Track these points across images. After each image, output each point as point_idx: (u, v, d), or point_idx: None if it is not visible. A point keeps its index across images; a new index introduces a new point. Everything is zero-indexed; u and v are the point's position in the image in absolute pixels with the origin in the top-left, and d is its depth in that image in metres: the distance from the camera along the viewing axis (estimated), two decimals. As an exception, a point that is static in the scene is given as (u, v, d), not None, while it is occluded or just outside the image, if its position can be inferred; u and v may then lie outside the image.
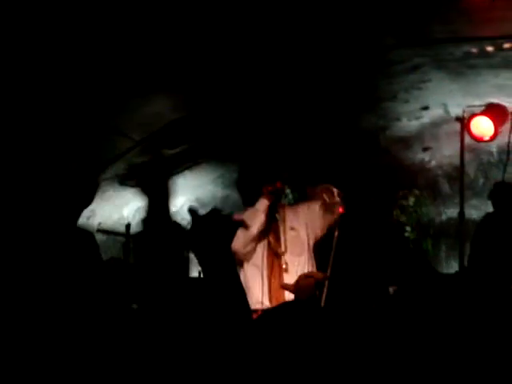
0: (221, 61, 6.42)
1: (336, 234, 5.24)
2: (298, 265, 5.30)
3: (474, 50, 6.62)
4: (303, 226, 5.42)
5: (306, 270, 5.26)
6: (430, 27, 6.25)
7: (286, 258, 5.32)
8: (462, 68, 7.06)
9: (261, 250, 5.30)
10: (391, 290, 6.48)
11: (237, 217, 5.43)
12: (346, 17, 5.96)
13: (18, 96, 6.07)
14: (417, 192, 9.23)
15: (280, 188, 5.37)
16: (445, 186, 9.22)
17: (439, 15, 5.96)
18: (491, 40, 6.39)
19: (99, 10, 5.32)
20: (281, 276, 5.24)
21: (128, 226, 7.87)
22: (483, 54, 6.64)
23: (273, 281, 5.22)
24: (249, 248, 5.26)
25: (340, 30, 6.23)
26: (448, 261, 9.11)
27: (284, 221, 5.42)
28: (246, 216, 5.35)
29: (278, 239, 5.36)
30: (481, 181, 8.78)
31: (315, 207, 5.48)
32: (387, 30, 6.31)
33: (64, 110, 6.57)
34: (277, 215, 5.41)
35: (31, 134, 6.52)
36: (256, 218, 5.24)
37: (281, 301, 5.08)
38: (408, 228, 9.17)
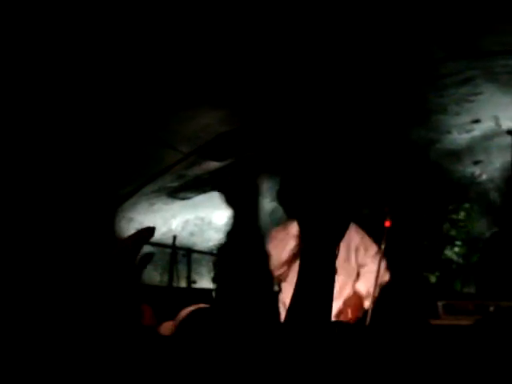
0: (269, 74, 6.41)
1: (383, 247, 5.13)
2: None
3: (526, 63, 6.54)
4: (347, 246, 5.25)
5: (343, 290, 5.16)
6: (482, 39, 6.17)
7: None
8: (514, 81, 6.98)
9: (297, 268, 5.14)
10: (440, 304, 6.39)
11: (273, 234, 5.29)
12: (398, 30, 5.92)
13: (65, 104, 6.12)
14: (467, 206, 9.13)
15: None
16: (496, 200, 9.10)
17: (491, 27, 5.88)
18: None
19: (149, 23, 5.35)
20: None
21: (174, 237, 7.90)
22: (535, 66, 6.55)
23: None
24: (281, 271, 5.16)
25: (392, 44, 6.18)
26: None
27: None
28: (278, 239, 5.20)
29: None
30: (533, 194, 8.66)
31: (370, 250, 5.26)
32: (438, 42, 6.25)
33: (112, 122, 6.61)
34: None
35: (71, 142, 6.57)
36: (287, 243, 5.08)
37: None
38: (458, 242, 9.07)
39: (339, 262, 5.24)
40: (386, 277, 5.27)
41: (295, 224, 5.16)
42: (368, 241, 5.23)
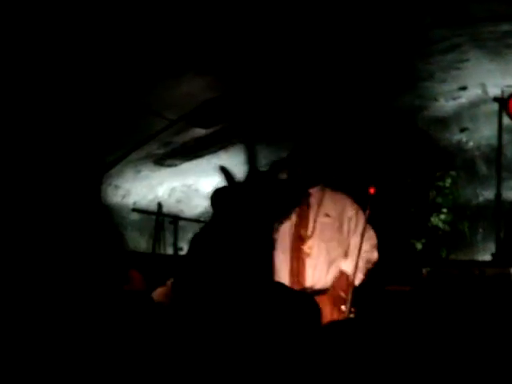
0: (253, 42, 6.38)
1: (367, 213, 5.10)
2: (327, 251, 5.12)
3: (513, 29, 6.53)
4: (340, 215, 5.20)
5: (333, 257, 5.12)
6: (468, 6, 6.16)
7: (312, 242, 5.13)
8: (501, 47, 6.96)
9: (286, 231, 5.09)
10: (424, 271, 6.41)
11: None
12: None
13: (47, 76, 6.09)
14: (454, 173, 9.14)
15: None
16: (482, 168, 9.11)
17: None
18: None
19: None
20: (303, 261, 5.08)
21: (159, 204, 7.87)
22: (523, 33, 6.54)
23: (294, 263, 5.08)
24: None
25: (379, 10, 6.16)
26: (485, 243, 9.01)
27: (318, 205, 5.20)
28: None
29: (305, 222, 5.15)
30: (520, 162, 8.66)
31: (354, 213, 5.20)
32: (425, 9, 6.23)
33: (97, 88, 6.58)
34: (310, 199, 5.19)
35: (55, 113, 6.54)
36: None
37: (301, 284, 4.98)
38: (444, 210, 9.09)
39: (331, 231, 5.20)
40: (374, 255, 5.23)
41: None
42: (361, 217, 5.19)
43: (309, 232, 5.13)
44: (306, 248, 5.09)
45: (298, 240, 5.12)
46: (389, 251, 7.76)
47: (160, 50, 6.28)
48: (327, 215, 5.18)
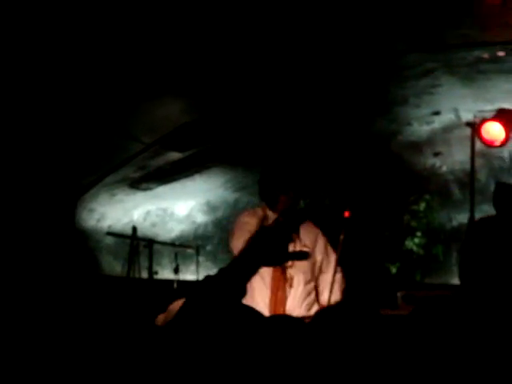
0: (229, 66, 6.41)
1: (341, 237, 5.12)
2: (305, 281, 5.16)
3: (486, 56, 6.59)
4: (314, 247, 5.23)
5: (308, 288, 5.15)
6: (442, 32, 6.22)
7: (292, 272, 5.16)
8: (473, 73, 7.03)
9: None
10: (399, 294, 6.44)
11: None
12: (358, 22, 5.95)
13: (24, 98, 6.08)
14: (428, 197, 9.20)
15: (294, 203, 5.18)
16: (456, 192, 9.18)
17: (450, 20, 5.93)
18: (502, 45, 6.35)
19: (110, 14, 5.33)
20: (284, 290, 5.11)
21: (134, 228, 7.85)
22: (494, 59, 6.61)
23: (275, 293, 5.11)
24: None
25: (352, 36, 6.21)
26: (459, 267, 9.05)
27: (295, 236, 5.22)
28: (243, 221, 5.15)
29: None
30: (492, 186, 8.72)
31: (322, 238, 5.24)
32: (398, 35, 6.29)
33: (74, 112, 6.58)
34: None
35: (34, 135, 6.53)
36: (252, 225, 5.02)
37: (281, 314, 5.00)
38: (418, 233, 9.14)
39: (308, 262, 5.18)
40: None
41: (262, 209, 5.15)
42: (332, 254, 5.22)
43: (289, 262, 5.14)
44: (287, 277, 5.09)
45: (280, 269, 5.13)
46: (364, 275, 7.80)
47: (137, 73, 6.30)
48: (305, 245, 5.20)
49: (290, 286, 5.10)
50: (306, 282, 5.13)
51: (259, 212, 5.24)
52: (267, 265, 2.42)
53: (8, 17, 4.96)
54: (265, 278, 5.09)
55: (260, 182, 5.27)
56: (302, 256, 2.66)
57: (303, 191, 5.25)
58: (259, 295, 5.02)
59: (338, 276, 5.12)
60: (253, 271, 2.37)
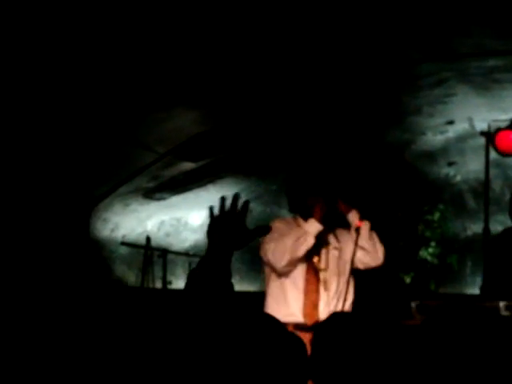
0: (244, 78, 6.42)
1: (355, 247, 5.12)
2: (337, 284, 5.17)
3: (500, 64, 6.57)
4: (346, 248, 5.24)
5: (344, 290, 5.14)
6: (456, 41, 6.21)
7: (327, 275, 5.16)
8: (488, 82, 7.01)
9: (301, 264, 5.14)
10: (413, 304, 6.40)
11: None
12: (373, 32, 5.95)
13: (38, 109, 6.11)
14: (442, 207, 9.17)
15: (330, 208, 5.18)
16: (470, 201, 9.15)
17: (465, 29, 5.92)
18: (517, 54, 6.34)
19: (124, 26, 5.34)
20: (318, 292, 5.12)
21: (148, 238, 7.86)
22: (508, 68, 6.59)
23: (309, 296, 5.11)
24: (292, 267, 5.10)
25: (367, 45, 6.21)
26: (473, 276, 9.03)
27: (327, 239, 5.22)
28: (293, 234, 5.12)
29: (319, 255, 5.18)
30: (507, 196, 8.68)
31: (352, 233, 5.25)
32: (413, 44, 6.28)
33: (88, 122, 6.60)
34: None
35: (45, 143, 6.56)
36: (305, 241, 5.02)
37: (314, 317, 5.00)
38: (432, 243, 9.11)
39: (340, 264, 5.22)
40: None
41: (316, 225, 5.11)
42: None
43: (323, 265, 5.16)
44: (320, 280, 5.11)
45: (314, 272, 5.15)
46: (378, 285, 7.77)
47: (150, 83, 6.31)
48: (336, 248, 5.22)
49: (325, 289, 5.11)
50: (342, 283, 5.15)
51: (291, 221, 5.26)
52: (234, 245, 2.42)
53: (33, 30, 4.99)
54: (297, 281, 5.10)
55: (287, 191, 5.29)
56: (264, 230, 2.63)
57: (334, 194, 5.25)
58: (292, 298, 5.05)
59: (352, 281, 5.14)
60: (226, 254, 2.38)
